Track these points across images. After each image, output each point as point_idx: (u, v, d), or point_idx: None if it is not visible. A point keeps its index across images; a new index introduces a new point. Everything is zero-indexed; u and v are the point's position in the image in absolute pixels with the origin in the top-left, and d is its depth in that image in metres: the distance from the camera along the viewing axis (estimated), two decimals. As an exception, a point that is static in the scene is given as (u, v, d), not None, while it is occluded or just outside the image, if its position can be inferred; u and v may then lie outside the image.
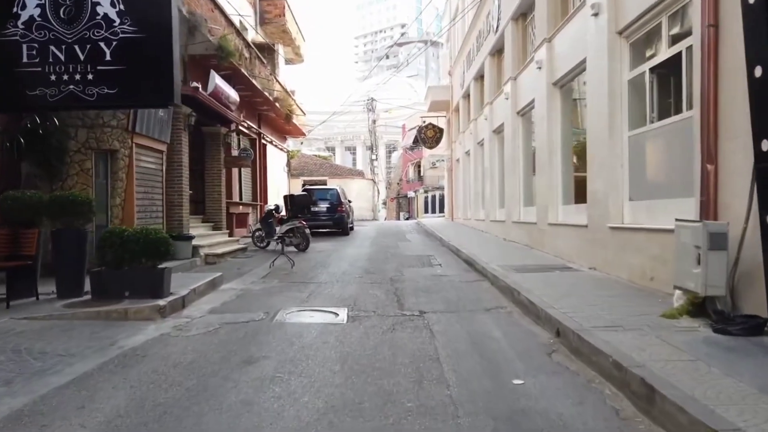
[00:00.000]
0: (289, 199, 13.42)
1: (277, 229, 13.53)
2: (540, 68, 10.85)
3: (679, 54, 6.23)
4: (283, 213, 13.79)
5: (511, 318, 6.05)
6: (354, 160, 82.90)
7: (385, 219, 55.95)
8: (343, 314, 6.28)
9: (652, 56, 7.09)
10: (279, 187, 24.58)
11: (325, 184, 33.51)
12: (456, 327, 5.63)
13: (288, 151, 28.28)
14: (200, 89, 10.78)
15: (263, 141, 22.61)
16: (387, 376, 4.07)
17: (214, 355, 4.69)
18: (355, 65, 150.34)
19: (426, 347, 4.87)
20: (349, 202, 21.18)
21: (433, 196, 48.21)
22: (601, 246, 7.85)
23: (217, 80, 11.61)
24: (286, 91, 22.11)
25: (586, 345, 4.31)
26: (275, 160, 25.08)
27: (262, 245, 14.08)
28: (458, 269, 10.00)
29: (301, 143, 74.05)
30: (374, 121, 34.91)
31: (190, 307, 6.80)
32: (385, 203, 68.46)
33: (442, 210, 39.20)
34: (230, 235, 14.59)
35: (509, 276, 7.80)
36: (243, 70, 15.73)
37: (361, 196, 34.60)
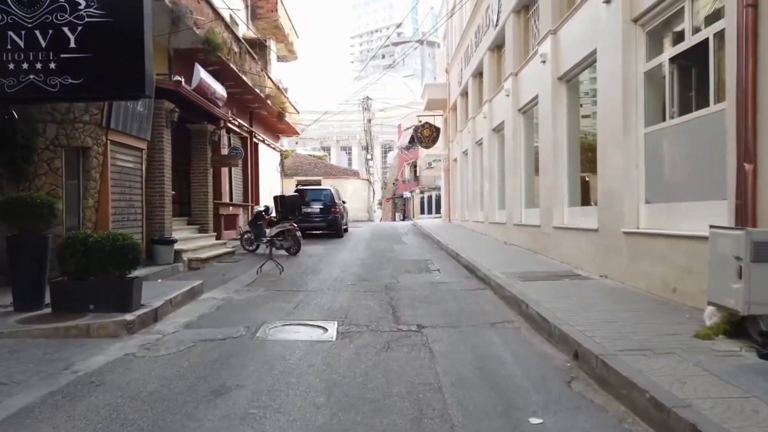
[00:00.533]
0: (279, 200, 12.77)
1: (267, 231, 12.87)
2: (544, 62, 10.23)
3: (705, 41, 5.62)
4: (274, 215, 13.14)
5: (520, 335, 5.41)
6: (350, 160, 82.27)
7: (381, 220, 55.38)
8: (332, 329, 5.64)
9: (672, 45, 6.48)
10: (272, 187, 23.92)
11: (320, 185, 32.89)
12: (459, 346, 4.99)
13: (281, 151, 27.62)
14: (183, 83, 10.11)
15: (255, 140, 21.95)
16: (380, 413, 3.44)
17: (181, 384, 4.05)
18: (351, 65, 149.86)
19: (425, 372, 4.24)
20: (343, 203, 20.55)
21: (430, 197, 47.63)
22: (615, 252, 7.24)
23: (202, 74, 10.95)
24: (278, 88, 21.45)
25: (613, 374, 3.68)
26: (268, 159, 24.42)
27: (250, 248, 13.43)
28: (458, 276, 9.38)
29: (296, 143, 73.50)
30: (369, 121, 34.26)
31: (164, 320, 6.14)
32: (380, 204, 67.90)
33: (438, 211, 38.62)
34: (218, 237, 13.93)
35: (515, 285, 7.18)
36: (232, 66, 15.07)
37: (356, 197, 33.93)
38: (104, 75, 6.12)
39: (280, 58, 26.60)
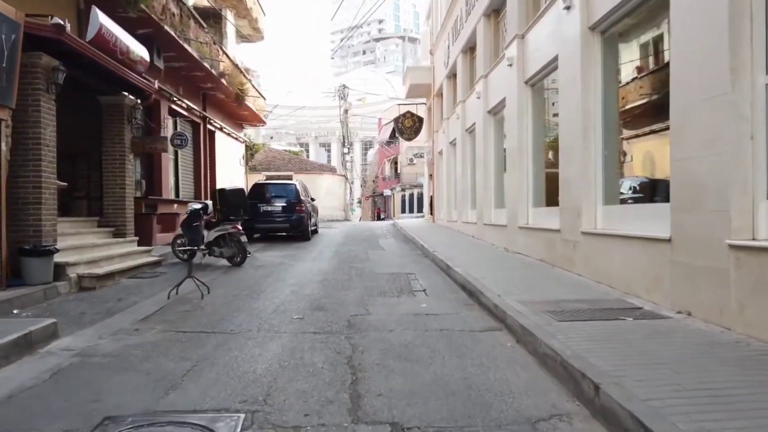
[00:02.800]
0: (218, 195, 9.90)
1: (206, 234, 9.99)
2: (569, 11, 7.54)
3: None
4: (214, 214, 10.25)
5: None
6: (329, 156, 79.38)
7: (360, 219, 52.62)
8: (223, 444, 2.85)
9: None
10: (233, 182, 20.97)
11: (291, 179, 29.90)
12: None
13: (246, 142, 24.63)
14: (69, 30, 7.17)
15: (210, 127, 18.97)
16: None
17: None
18: (331, 61, 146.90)
19: None
20: (312, 200, 17.70)
21: (411, 195, 44.94)
22: (710, 277, 4.55)
23: (101, 18, 7.97)
24: (237, 66, 18.49)
25: None
26: (228, 150, 21.44)
27: (184, 257, 10.52)
28: (453, 302, 6.62)
29: (271, 138, 70.47)
30: (346, 111, 31.35)
31: None
32: (360, 202, 65.04)
33: (420, 210, 35.94)
34: (145, 243, 10.99)
35: (548, 327, 4.47)
36: (168, 29, 12.14)
37: (330, 194, 31.06)
38: None
39: (244, 38, 23.62)
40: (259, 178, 29.28)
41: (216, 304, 6.54)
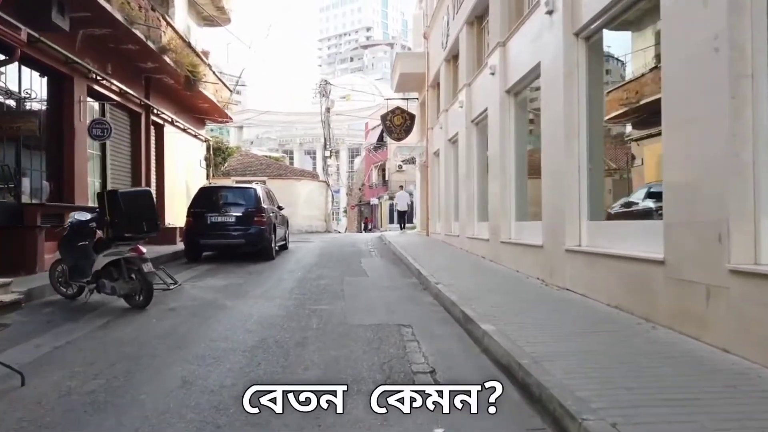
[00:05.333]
0: (108, 200, 6.45)
1: (94, 260, 6.54)
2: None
3: None
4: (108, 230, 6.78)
5: None
6: (314, 164, 75.96)
7: (346, 230, 49.18)
8: None
9: None
10: (189, 187, 17.50)
11: (265, 185, 26.41)
12: None
13: (209, 140, 21.16)
14: None
15: (156, 118, 15.53)
16: None
17: None
18: (319, 68, 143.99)
19: None
20: (280, 209, 14.27)
21: (400, 204, 41.52)
22: None
23: None
24: (187, 43, 15.06)
25: None
26: (183, 149, 17.99)
27: (68, 292, 7.03)
28: (504, 413, 3.24)
29: (251, 143, 66.82)
30: (328, 110, 28.01)
31: None
32: (346, 212, 61.51)
33: (410, 220, 32.58)
34: (26, 269, 7.55)
35: None
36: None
37: (310, 203, 27.57)
38: None
39: (206, 20, 20.25)
40: (226, 183, 25.67)
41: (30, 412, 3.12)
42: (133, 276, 6.44)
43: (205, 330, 5.46)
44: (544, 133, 7.58)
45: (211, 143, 23.85)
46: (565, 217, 6.85)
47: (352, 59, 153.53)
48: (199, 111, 18.57)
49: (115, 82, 12.52)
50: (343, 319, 5.96)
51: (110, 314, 6.19)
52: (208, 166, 21.21)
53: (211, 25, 20.75)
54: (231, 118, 20.38)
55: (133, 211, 6.45)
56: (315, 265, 11.33)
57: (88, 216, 6.88)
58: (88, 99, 11.55)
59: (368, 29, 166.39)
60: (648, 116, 6.05)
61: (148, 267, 6.42)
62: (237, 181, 27.93)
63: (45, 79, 10.47)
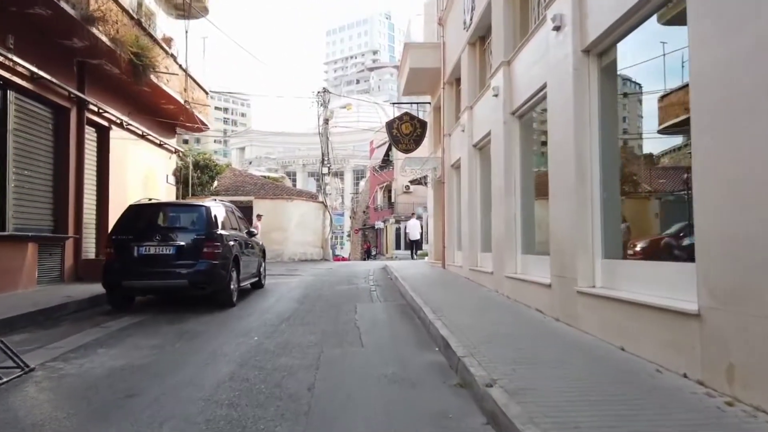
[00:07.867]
0: None
1: None
2: None
3: None
4: None
5: None
6: (318, 186, 72.87)
7: (349, 257, 45.57)
8: None
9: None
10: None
11: (251, 205, 22.92)
12: None
13: (179, 151, 17.72)
14: None
15: (95, 117, 12.11)
16: None
17: None
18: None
19: None
20: (251, 235, 10.70)
21: (407, 228, 37.93)
22: None
23: None
24: (128, 14, 11.63)
25: None
26: (140, 160, 14.54)
27: None
28: None
29: (250, 163, 63.57)
30: (326, 121, 24.64)
31: None
32: (349, 236, 57.89)
33: (419, 247, 28.91)
34: None
35: None
36: None
37: (303, 226, 23.95)
38: None
39: (178, 10, 17.01)
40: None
41: None
42: None
43: None
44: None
45: (190, 157, 20.49)
46: None
47: (358, 81, 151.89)
48: (164, 114, 15.20)
49: (20, 61, 9.14)
50: None
51: None
52: (179, 182, 17.76)
53: (184, 17, 17.48)
54: (206, 125, 16.96)
55: None
56: (287, 320, 7.70)
57: None
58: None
59: (375, 52, 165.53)
60: None
61: None
62: (231, 202, 24.52)
63: None
